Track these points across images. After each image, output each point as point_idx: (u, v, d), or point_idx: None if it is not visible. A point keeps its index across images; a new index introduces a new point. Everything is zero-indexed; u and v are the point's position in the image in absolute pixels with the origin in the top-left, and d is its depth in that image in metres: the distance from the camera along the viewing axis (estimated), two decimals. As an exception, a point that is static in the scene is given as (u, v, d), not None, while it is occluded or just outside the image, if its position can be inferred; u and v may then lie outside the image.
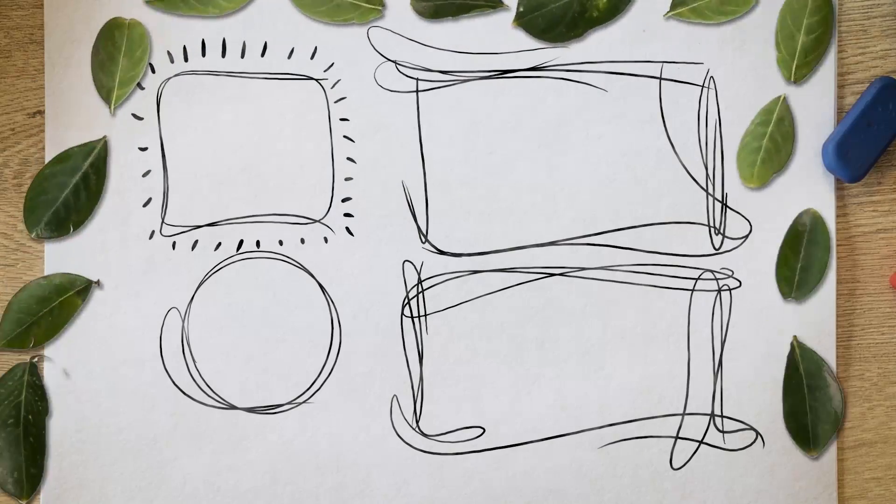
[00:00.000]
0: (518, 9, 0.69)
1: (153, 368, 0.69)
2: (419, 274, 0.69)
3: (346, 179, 0.69)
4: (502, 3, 0.69)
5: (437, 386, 0.70)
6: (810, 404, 0.70)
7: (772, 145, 0.69)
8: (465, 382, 0.70)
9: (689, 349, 0.70)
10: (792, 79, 0.69)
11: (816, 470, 0.70)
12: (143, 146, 0.69)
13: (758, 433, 0.70)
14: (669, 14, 0.69)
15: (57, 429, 0.69)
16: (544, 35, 0.69)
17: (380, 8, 0.69)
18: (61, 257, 0.69)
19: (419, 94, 0.69)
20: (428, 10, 0.68)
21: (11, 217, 0.69)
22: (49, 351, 0.68)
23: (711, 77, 0.70)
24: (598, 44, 0.70)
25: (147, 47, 0.68)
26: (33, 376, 0.68)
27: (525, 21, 0.69)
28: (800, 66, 0.69)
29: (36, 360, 0.68)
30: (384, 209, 0.70)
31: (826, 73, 0.70)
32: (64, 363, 0.68)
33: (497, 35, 0.69)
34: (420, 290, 0.69)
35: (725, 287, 0.70)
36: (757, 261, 0.70)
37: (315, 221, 0.69)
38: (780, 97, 0.70)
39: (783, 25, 0.69)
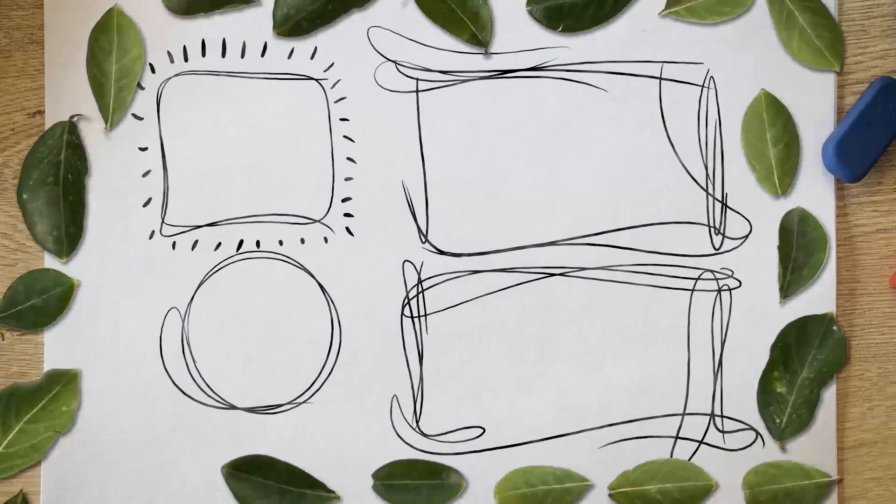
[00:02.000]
0: None
1: (153, 368, 0.69)
2: (419, 274, 0.69)
3: (346, 179, 0.69)
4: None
5: (437, 386, 0.70)
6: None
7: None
8: (465, 382, 0.70)
9: (689, 349, 0.70)
10: (779, 192, 0.69)
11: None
12: (143, 146, 0.69)
13: (758, 433, 0.70)
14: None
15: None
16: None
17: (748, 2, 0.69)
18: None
19: (419, 94, 0.69)
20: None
21: (11, 217, 0.69)
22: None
23: (711, 77, 0.70)
24: (598, 44, 0.70)
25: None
26: (72, 135, 0.68)
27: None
28: (781, 177, 0.69)
29: (76, 118, 0.67)
30: (384, 209, 0.70)
31: (826, 72, 0.70)
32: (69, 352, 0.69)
33: (497, 35, 0.69)
34: (420, 290, 0.69)
35: (725, 287, 0.70)
36: (757, 260, 0.70)
37: (315, 221, 0.69)
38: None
39: (750, 147, 0.69)
